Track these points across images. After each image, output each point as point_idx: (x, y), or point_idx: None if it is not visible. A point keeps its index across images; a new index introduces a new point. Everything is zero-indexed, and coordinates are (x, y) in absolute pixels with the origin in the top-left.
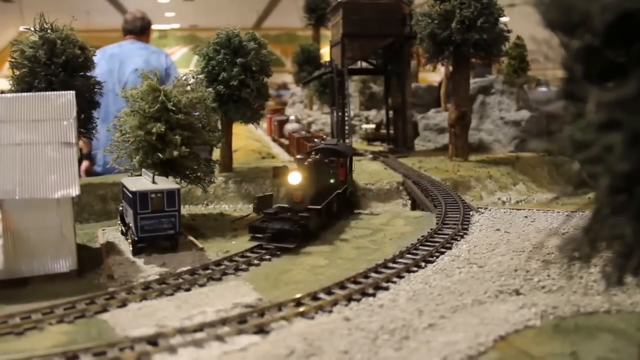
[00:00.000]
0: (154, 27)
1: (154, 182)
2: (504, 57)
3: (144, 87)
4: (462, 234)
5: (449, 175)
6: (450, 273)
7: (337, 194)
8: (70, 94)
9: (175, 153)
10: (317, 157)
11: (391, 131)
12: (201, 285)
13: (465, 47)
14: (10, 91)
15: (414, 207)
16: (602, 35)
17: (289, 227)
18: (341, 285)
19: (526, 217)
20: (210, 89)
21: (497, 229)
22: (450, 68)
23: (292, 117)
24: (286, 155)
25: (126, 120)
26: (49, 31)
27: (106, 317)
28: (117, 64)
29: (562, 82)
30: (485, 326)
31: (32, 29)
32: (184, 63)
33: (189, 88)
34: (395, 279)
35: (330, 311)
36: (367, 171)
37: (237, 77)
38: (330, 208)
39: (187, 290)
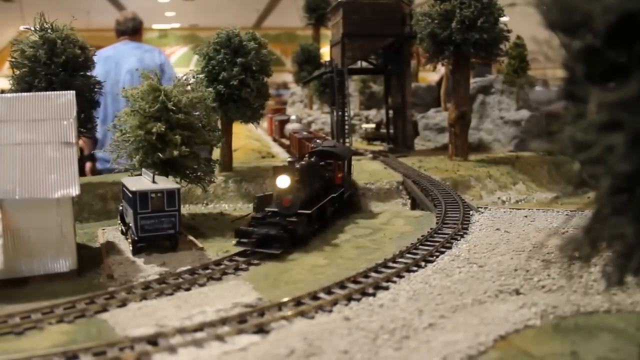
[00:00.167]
0: (154, 26)
1: (154, 181)
2: (504, 56)
3: (144, 87)
4: (462, 233)
5: (448, 175)
6: (450, 273)
7: (332, 198)
8: (71, 94)
9: (176, 153)
10: (312, 160)
11: (391, 131)
12: (201, 285)
13: (465, 47)
14: (11, 91)
15: (414, 206)
16: (603, 36)
17: (275, 233)
18: (341, 285)
19: (526, 216)
20: (210, 89)
21: (497, 229)
22: (451, 68)
23: (293, 117)
24: (286, 155)
25: (126, 119)
26: (49, 31)
27: (106, 317)
28: (112, 66)
29: (563, 82)
30: (485, 326)
31: (33, 28)
32: (184, 62)
33: (189, 88)
34: (395, 279)
35: (330, 311)
36: (367, 171)
37: (237, 76)
38: (323, 213)
39: (187, 289)
